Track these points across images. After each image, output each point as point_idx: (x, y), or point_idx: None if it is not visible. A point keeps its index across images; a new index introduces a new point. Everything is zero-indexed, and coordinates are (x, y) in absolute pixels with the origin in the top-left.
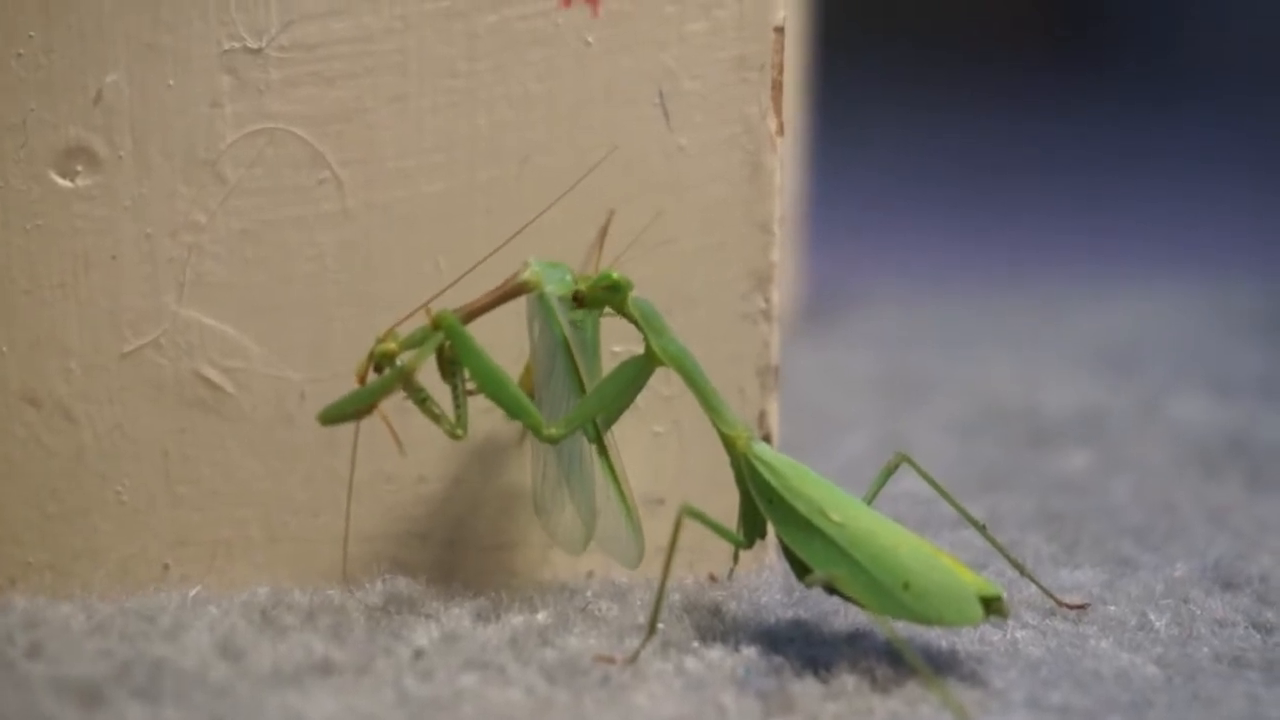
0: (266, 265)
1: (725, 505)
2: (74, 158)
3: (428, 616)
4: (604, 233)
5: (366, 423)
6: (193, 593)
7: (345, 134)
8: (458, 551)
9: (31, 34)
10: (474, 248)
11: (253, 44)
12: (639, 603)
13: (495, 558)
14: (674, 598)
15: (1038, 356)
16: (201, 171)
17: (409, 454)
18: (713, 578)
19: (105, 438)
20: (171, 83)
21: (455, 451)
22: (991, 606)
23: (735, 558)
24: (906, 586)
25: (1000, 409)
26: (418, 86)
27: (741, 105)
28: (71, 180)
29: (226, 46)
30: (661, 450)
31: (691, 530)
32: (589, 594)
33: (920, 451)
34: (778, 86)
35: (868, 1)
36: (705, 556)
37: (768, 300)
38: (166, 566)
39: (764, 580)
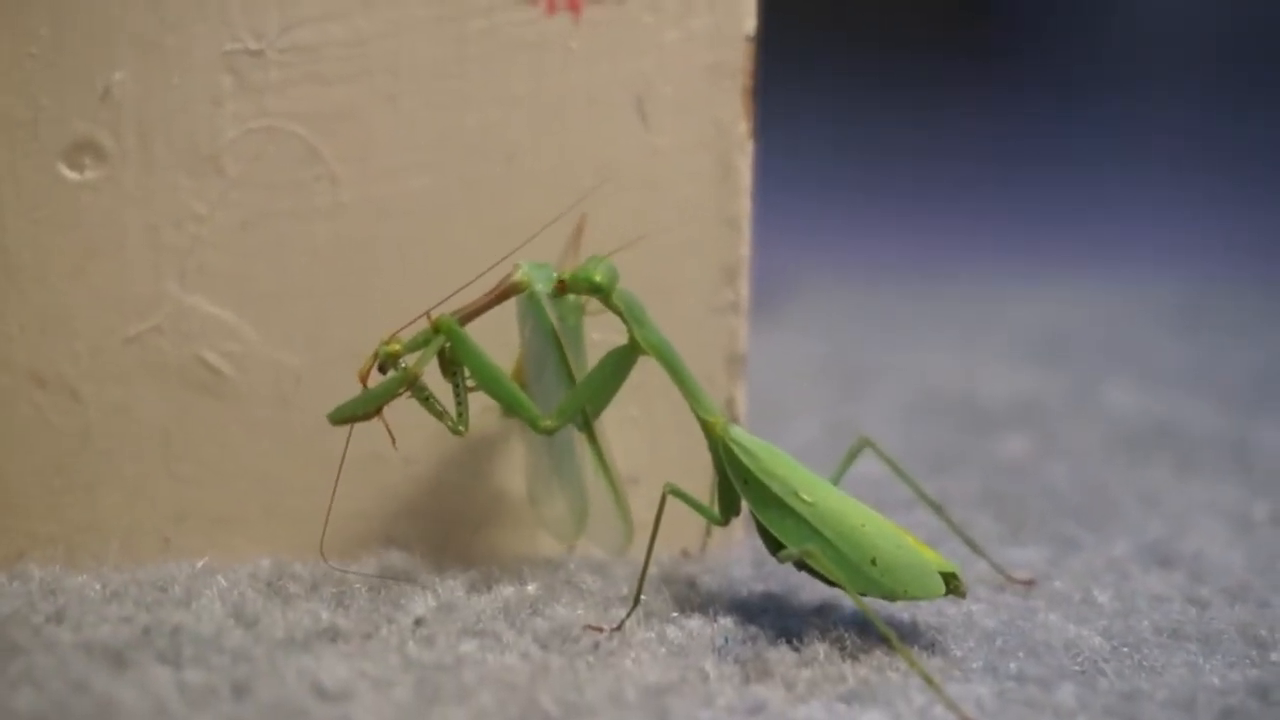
0: (264, 255)
1: (693, 485)
2: (82, 151)
3: (424, 588)
4: (577, 236)
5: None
6: (200, 564)
7: (341, 132)
8: (445, 528)
9: (42, 33)
10: (460, 241)
11: (253, 46)
12: (619, 576)
13: (481, 534)
14: (652, 571)
15: (973, 346)
16: (203, 166)
17: (400, 436)
18: (686, 553)
19: (110, 417)
20: (175, 81)
21: (443, 435)
22: (950, 582)
23: (708, 534)
24: (873, 562)
25: (941, 396)
26: (409, 87)
27: (714, 109)
28: (79, 173)
29: (228, 48)
30: (635, 433)
31: (671, 512)
32: (572, 567)
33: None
34: (748, 92)
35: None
36: (679, 533)
37: (737, 293)
38: (167, 540)
39: (734, 556)
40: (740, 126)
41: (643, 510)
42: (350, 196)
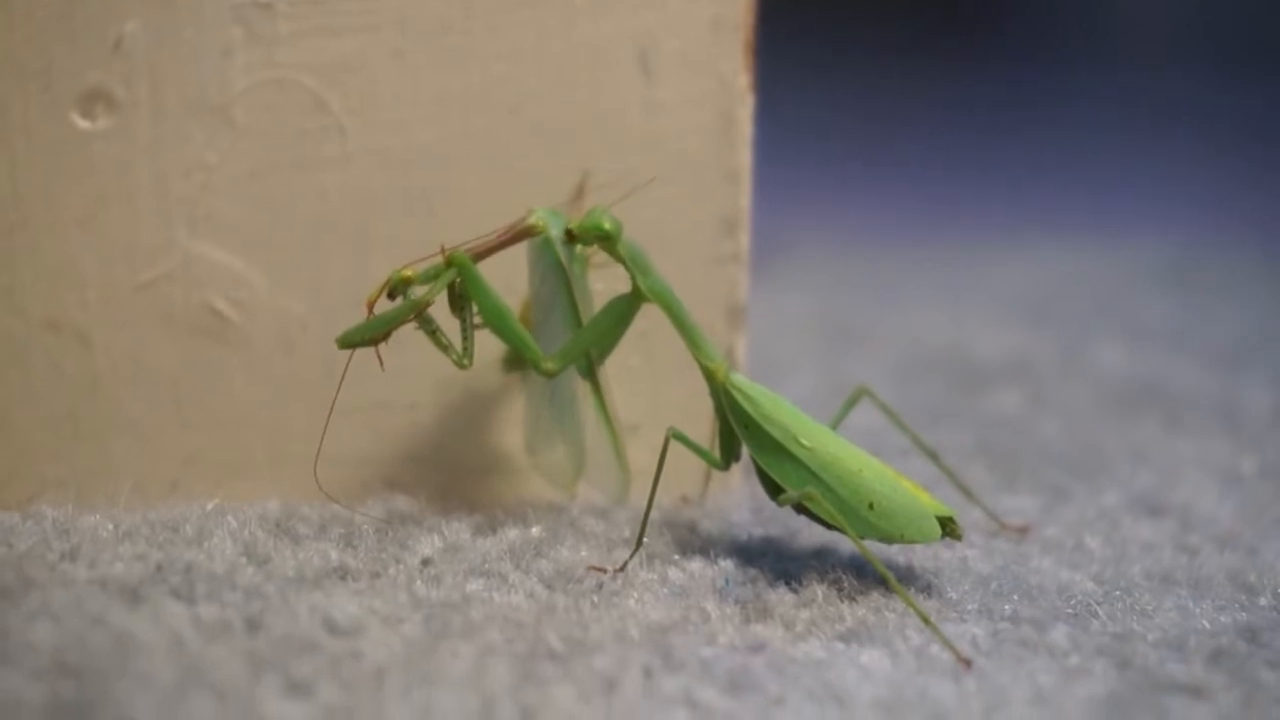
0: (272, 204)
1: (693, 434)
2: (94, 101)
3: (430, 530)
4: (579, 191)
5: (360, 353)
6: (210, 505)
7: (348, 84)
8: (448, 473)
9: None
10: (464, 192)
11: None
12: (621, 520)
13: (484, 478)
14: (653, 516)
15: (963, 305)
16: (213, 116)
17: (403, 382)
18: (686, 499)
19: (120, 363)
20: (186, 32)
21: (445, 381)
22: (946, 526)
23: (707, 480)
24: (871, 506)
25: (933, 354)
26: (416, 41)
27: (716, 63)
28: (91, 122)
29: (238, 0)
30: (637, 382)
31: (671, 457)
32: (575, 512)
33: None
34: (749, 46)
35: None
36: (679, 480)
37: (737, 244)
38: (175, 484)
39: (733, 501)
40: (741, 80)
41: (644, 458)
42: (357, 147)
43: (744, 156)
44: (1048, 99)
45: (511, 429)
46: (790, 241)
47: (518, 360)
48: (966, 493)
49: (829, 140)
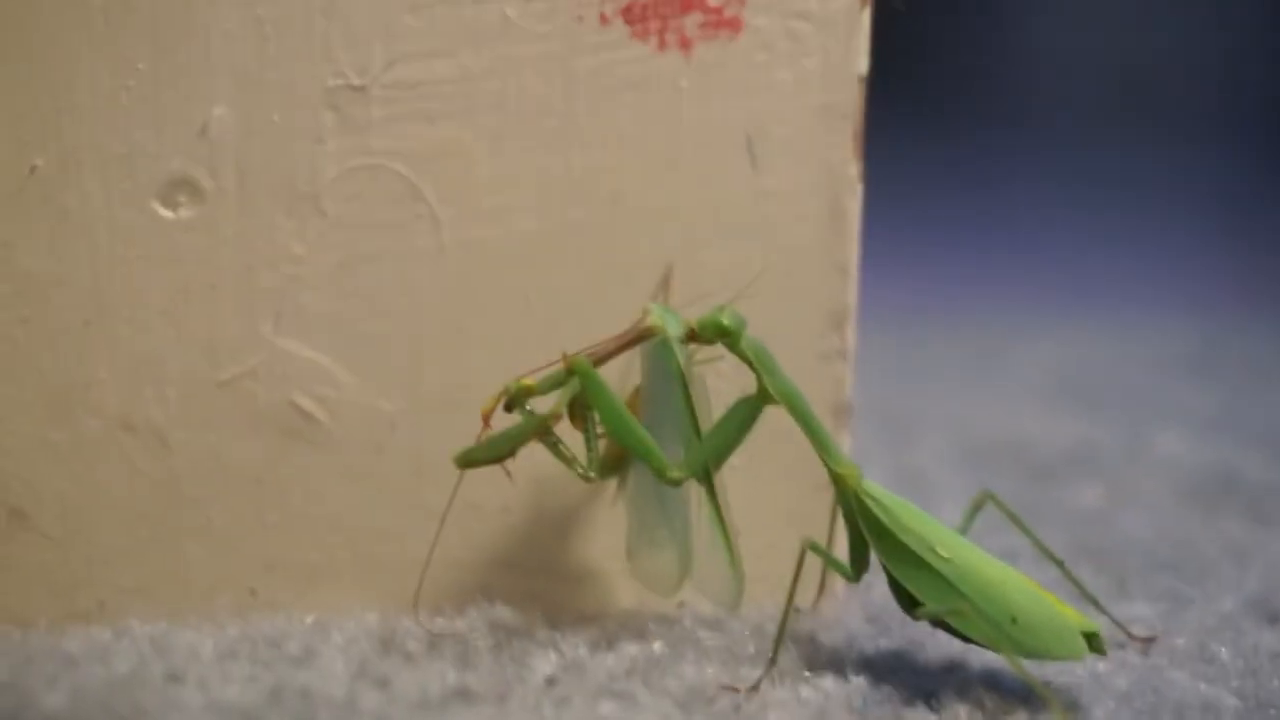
0: (362, 297)
1: (796, 537)
2: (178, 189)
3: (544, 644)
4: (665, 284)
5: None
6: (309, 619)
7: (443, 171)
8: (544, 580)
9: (140, 66)
10: (564, 285)
11: (356, 82)
12: (737, 631)
13: (580, 585)
14: (769, 627)
15: (1003, 387)
16: (302, 205)
17: (494, 484)
18: (798, 609)
19: (199, 464)
20: (276, 117)
21: (538, 483)
22: (1091, 641)
23: (820, 590)
24: (1014, 621)
25: (991, 442)
26: (515, 126)
27: (825, 152)
28: (174, 211)
29: (330, 83)
30: (738, 483)
31: (777, 563)
32: (687, 623)
33: (933, 485)
34: (859, 135)
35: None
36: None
37: (843, 340)
38: (253, 591)
39: (845, 610)
40: (851, 169)
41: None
42: (451, 238)
43: (853, 248)
44: (1059, 179)
45: (606, 532)
46: None
47: (615, 464)
48: (1094, 601)
49: None
